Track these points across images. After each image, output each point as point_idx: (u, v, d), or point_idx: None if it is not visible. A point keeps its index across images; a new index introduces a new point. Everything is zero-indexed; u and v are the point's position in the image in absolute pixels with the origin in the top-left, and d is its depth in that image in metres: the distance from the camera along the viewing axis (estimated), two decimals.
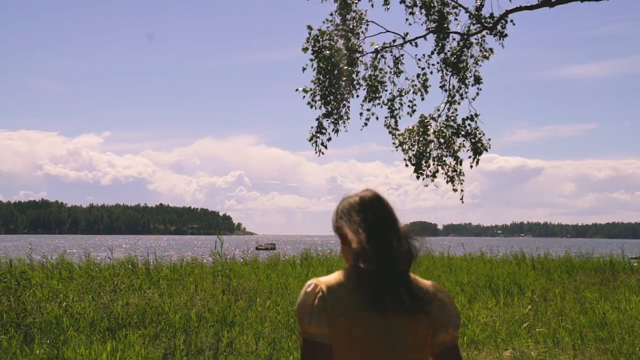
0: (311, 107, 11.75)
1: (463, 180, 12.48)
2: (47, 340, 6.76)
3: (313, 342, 1.81)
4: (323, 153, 12.06)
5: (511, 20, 11.93)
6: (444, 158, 12.43)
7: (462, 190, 12.48)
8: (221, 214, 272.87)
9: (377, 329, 1.83)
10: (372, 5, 11.80)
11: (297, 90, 11.70)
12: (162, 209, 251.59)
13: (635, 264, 15.75)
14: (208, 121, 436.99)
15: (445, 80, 12.44)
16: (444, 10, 11.94)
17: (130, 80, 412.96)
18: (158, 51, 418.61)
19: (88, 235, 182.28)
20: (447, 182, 12.40)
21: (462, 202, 12.67)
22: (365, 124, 12.19)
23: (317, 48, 11.41)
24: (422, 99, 12.23)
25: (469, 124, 12.28)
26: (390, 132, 12.43)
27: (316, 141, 12.01)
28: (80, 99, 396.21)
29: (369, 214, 1.94)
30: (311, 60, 11.43)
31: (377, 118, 12.24)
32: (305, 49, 11.46)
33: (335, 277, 1.90)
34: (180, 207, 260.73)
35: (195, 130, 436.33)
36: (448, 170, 12.45)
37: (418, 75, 12.29)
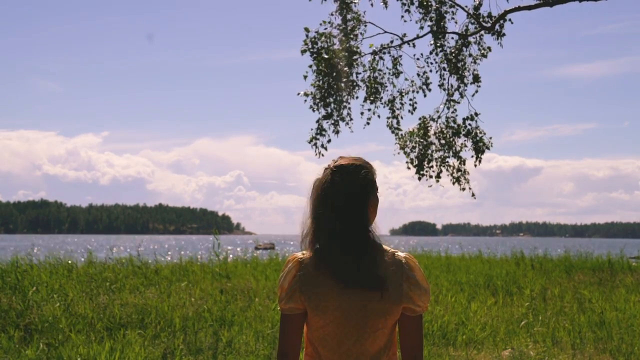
0: (313, 111, 11.81)
1: (468, 179, 12.55)
2: (45, 340, 6.75)
3: (285, 315, 2.09)
4: (323, 155, 12.10)
5: (509, 19, 11.93)
6: (447, 159, 12.45)
7: (470, 188, 12.57)
8: (220, 213, 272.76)
9: (345, 304, 2.02)
10: (372, 5, 11.82)
11: (298, 94, 11.76)
12: (161, 208, 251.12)
13: (634, 264, 15.75)
14: (207, 121, 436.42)
15: (445, 79, 12.45)
16: (442, 10, 11.95)
17: (129, 80, 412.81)
18: (157, 51, 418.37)
19: (88, 235, 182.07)
20: (454, 183, 12.44)
21: (475, 197, 12.75)
22: (368, 123, 12.23)
23: (315, 50, 11.44)
24: (425, 95, 12.27)
25: (469, 124, 12.28)
26: (392, 132, 12.46)
27: (316, 143, 12.05)
28: (79, 98, 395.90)
29: (333, 194, 2.07)
30: (310, 67, 11.49)
31: (378, 116, 12.29)
32: (303, 51, 11.49)
33: (310, 256, 2.09)
34: (179, 207, 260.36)
35: (194, 130, 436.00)
36: (453, 171, 12.47)
37: (418, 75, 12.31)
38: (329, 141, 12.05)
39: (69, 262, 12.36)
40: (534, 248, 19.01)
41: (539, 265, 14.91)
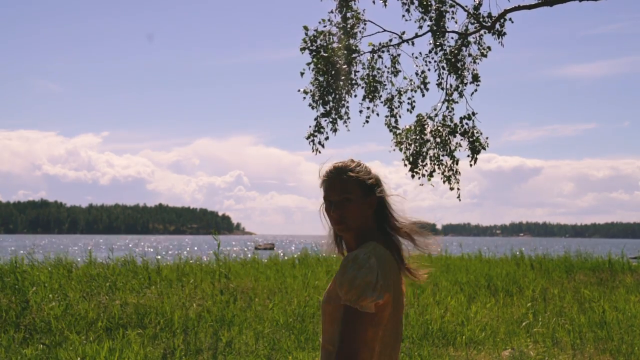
0: (312, 108, 11.82)
1: (459, 180, 12.52)
2: (45, 340, 6.75)
3: (365, 314, 1.99)
4: (320, 152, 12.12)
5: (509, 19, 11.93)
6: (441, 157, 12.45)
7: (458, 189, 12.53)
8: (220, 213, 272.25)
9: (401, 296, 2.15)
10: (374, 2, 11.81)
11: (299, 90, 11.78)
12: (161, 208, 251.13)
13: (634, 264, 15.75)
14: (207, 121, 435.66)
15: (443, 78, 12.44)
16: (442, 9, 11.94)
17: (129, 80, 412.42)
18: (157, 51, 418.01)
19: (87, 235, 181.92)
20: (444, 181, 12.42)
21: (459, 200, 12.69)
22: (367, 121, 12.25)
23: (314, 48, 11.47)
24: (423, 95, 12.27)
25: (466, 123, 12.27)
26: (391, 131, 12.47)
27: (313, 140, 12.07)
28: (78, 98, 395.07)
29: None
30: (308, 64, 11.50)
31: (377, 115, 12.30)
32: (302, 49, 11.53)
33: (380, 251, 2.10)
34: (179, 207, 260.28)
35: (194, 130, 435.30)
36: (444, 170, 12.46)
37: (417, 73, 12.30)
38: (326, 138, 12.07)
39: (69, 262, 12.35)
40: (534, 248, 18.99)
41: (539, 266, 14.90)
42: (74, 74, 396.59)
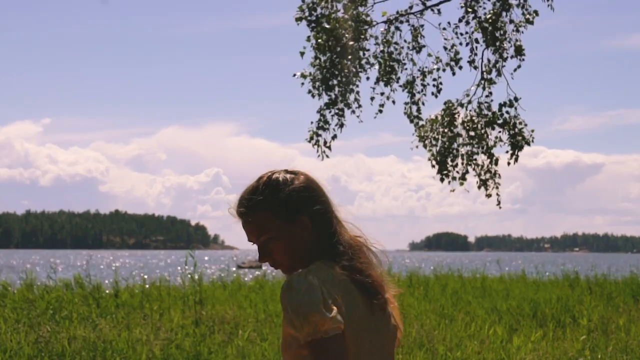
0: (313, 96, 11.77)
1: (499, 184, 12.38)
2: None
3: (333, 338, 1.95)
4: (327, 156, 12.00)
5: None
6: (475, 156, 12.34)
7: (497, 195, 12.41)
8: (193, 223, 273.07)
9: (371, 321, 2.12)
10: None
11: (294, 75, 11.73)
12: (117, 216, 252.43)
13: None
14: (175, 105, 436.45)
15: (477, 54, 12.35)
16: None
17: (76, 54, 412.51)
18: (112, 17, 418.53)
19: (24, 250, 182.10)
20: (480, 186, 12.32)
21: (500, 207, 12.64)
22: (380, 111, 12.20)
23: (313, 18, 11.42)
24: (454, 73, 12.14)
25: (507, 112, 12.20)
26: (412, 122, 12.39)
27: (317, 141, 11.96)
28: (11, 78, 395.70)
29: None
30: (307, 39, 11.47)
31: (393, 102, 12.22)
32: (298, 19, 11.48)
33: (322, 269, 2.06)
34: (141, 215, 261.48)
35: (159, 116, 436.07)
36: (480, 172, 12.32)
37: (445, 48, 12.23)
38: (333, 137, 11.95)
39: (4, 283, 12.39)
40: (592, 266, 19.04)
41: (598, 289, 14.95)
42: (4, 46, 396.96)
